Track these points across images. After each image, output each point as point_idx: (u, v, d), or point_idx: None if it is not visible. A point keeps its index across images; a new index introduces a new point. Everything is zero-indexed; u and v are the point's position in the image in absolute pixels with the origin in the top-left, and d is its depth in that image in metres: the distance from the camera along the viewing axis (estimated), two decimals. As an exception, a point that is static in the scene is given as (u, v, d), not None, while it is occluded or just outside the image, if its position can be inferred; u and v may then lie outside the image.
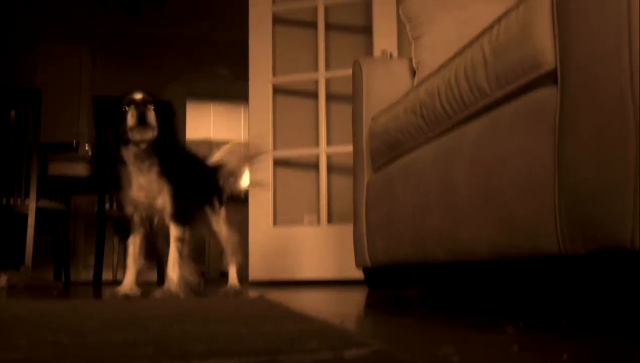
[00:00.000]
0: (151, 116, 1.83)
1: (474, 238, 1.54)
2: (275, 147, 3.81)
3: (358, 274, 2.86)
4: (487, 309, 1.35)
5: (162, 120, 1.88)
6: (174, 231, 1.94)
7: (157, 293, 1.89)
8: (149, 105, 1.85)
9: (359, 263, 2.56)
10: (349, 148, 2.75)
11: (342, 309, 1.44)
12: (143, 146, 1.85)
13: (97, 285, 3.67)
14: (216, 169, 2.34)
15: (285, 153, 3.81)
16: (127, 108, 1.83)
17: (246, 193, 3.77)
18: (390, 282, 2.55)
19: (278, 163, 3.85)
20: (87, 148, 5.10)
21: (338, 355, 0.63)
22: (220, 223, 2.26)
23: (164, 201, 1.92)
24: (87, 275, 6.03)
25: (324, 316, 1.17)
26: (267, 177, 3.70)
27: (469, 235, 1.56)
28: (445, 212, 1.70)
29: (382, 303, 1.67)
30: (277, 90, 3.89)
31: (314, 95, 3.79)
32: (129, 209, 1.94)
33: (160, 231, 2.01)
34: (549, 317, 1.14)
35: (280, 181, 3.87)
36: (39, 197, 3.87)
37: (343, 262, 3.44)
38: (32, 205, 3.78)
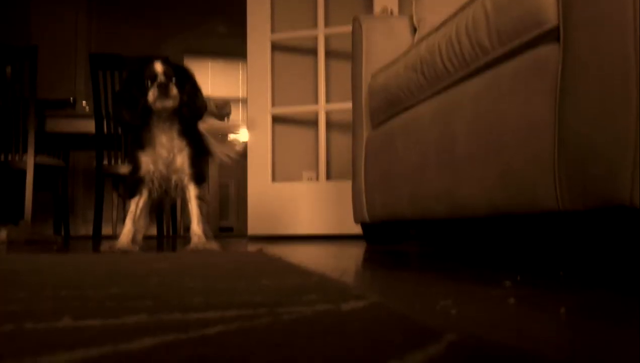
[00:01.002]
0: (173, 90, 1.93)
1: (472, 194, 1.54)
2: (274, 104, 3.80)
3: (356, 230, 2.87)
4: (485, 264, 1.36)
5: (181, 86, 1.98)
6: (193, 190, 2.04)
7: (189, 247, 1.98)
8: (171, 80, 1.94)
9: (357, 218, 2.57)
10: (348, 105, 2.73)
11: (340, 263, 1.45)
12: (165, 113, 1.96)
13: (96, 239, 3.69)
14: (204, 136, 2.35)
15: (284, 110, 3.79)
16: (149, 82, 1.93)
17: (245, 148, 3.79)
18: (389, 238, 2.57)
19: (277, 120, 3.84)
20: (84, 104, 5.07)
21: (336, 308, 0.64)
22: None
23: (182, 160, 2.01)
24: (86, 230, 6.07)
25: (322, 270, 1.18)
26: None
27: (467, 191, 1.56)
28: (444, 169, 1.70)
29: (380, 258, 1.68)
30: (276, 47, 3.85)
31: (313, 52, 3.75)
32: (144, 170, 2.00)
33: (172, 192, 2.08)
34: (546, 272, 1.15)
35: (279, 138, 3.86)
36: (37, 153, 3.86)
37: (341, 217, 3.46)
38: (30, 161, 3.78)
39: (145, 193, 2.03)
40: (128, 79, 2.06)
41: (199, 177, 2.06)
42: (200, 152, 2.10)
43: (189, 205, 2.04)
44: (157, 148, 1.99)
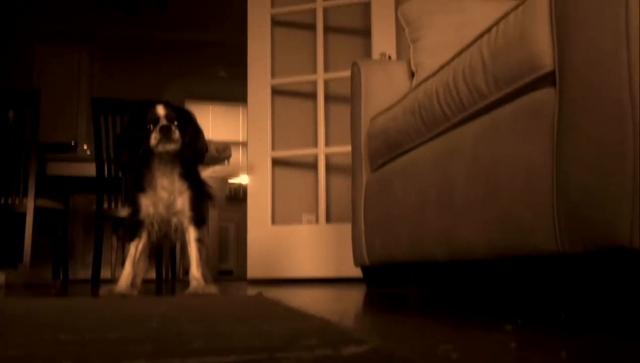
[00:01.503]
0: (175, 133, 1.93)
1: (472, 237, 1.54)
2: (274, 147, 3.82)
3: (356, 273, 2.86)
4: (486, 308, 1.36)
5: (183, 128, 1.98)
6: (193, 233, 2.01)
7: (188, 291, 1.94)
8: (173, 124, 1.94)
9: (357, 262, 2.56)
10: (348, 148, 2.75)
11: (340, 307, 1.45)
12: (167, 156, 1.96)
13: (95, 283, 3.66)
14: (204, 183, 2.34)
15: (283, 153, 3.82)
16: (151, 126, 1.93)
17: (245, 192, 3.80)
18: (389, 281, 2.56)
19: (277, 163, 3.86)
20: (85, 148, 5.10)
21: (336, 353, 0.64)
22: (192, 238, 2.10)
23: (183, 202, 2.00)
24: (85, 273, 6.03)
25: (322, 314, 1.17)
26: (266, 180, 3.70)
27: (467, 234, 1.56)
28: (443, 212, 1.71)
29: (381, 301, 1.67)
30: (276, 92, 3.90)
31: (313, 96, 3.79)
32: (144, 212, 1.98)
33: (172, 235, 2.06)
34: (547, 315, 1.14)
35: (279, 181, 3.87)
36: (37, 197, 3.87)
37: (341, 260, 3.44)
38: (30, 205, 3.78)
39: (144, 236, 2.01)
40: (130, 121, 2.05)
41: (199, 220, 2.04)
42: (201, 195, 2.09)
43: (189, 248, 2.01)
44: (157, 190, 1.98)
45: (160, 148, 1.92)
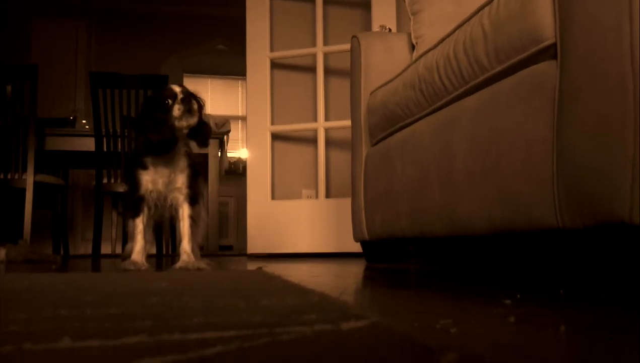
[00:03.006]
0: (195, 105, 2.00)
1: (471, 212, 1.54)
2: (273, 122, 3.80)
3: (356, 248, 2.87)
4: (485, 282, 1.36)
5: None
6: (187, 209, 2.08)
7: (177, 265, 2.02)
8: (193, 98, 2.01)
9: (357, 236, 2.57)
10: (347, 123, 2.74)
11: (340, 282, 1.45)
12: (184, 131, 2.01)
13: (95, 258, 3.68)
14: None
15: (283, 128, 3.80)
16: (170, 101, 1.97)
17: (244, 167, 3.80)
18: (388, 256, 2.56)
19: (276, 138, 3.85)
20: (84, 122, 5.08)
21: (336, 328, 0.64)
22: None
23: (182, 180, 2.07)
24: (85, 248, 6.06)
25: (321, 289, 1.17)
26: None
27: (467, 209, 1.56)
28: (443, 186, 1.70)
29: (380, 276, 1.68)
30: (276, 65, 3.87)
31: (313, 70, 3.77)
32: (146, 187, 2.03)
33: (167, 211, 2.13)
34: (546, 289, 1.15)
35: (279, 156, 3.86)
36: (36, 172, 3.87)
37: (341, 235, 3.45)
38: (29, 180, 3.78)
39: (147, 212, 2.06)
40: (146, 105, 2.09)
41: (194, 198, 2.10)
42: (197, 173, 2.16)
43: (181, 224, 2.08)
44: (159, 167, 2.03)
45: (184, 121, 1.97)
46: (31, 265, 2.62)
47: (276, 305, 0.87)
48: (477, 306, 0.82)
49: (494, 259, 2.40)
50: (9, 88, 3.81)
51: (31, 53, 6.29)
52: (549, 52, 1.25)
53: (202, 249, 2.27)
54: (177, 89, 1.99)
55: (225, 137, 4.62)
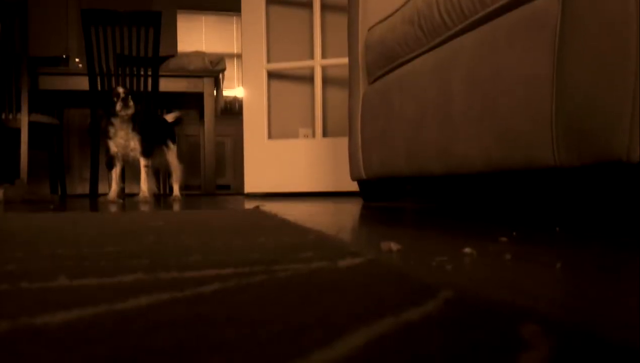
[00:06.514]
0: (130, 102, 3.13)
1: (469, 150, 1.53)
2: (269, 60, 3.75)
3: (353, 187, 2.88)
4: (481, 220, 1.37)
5: (139, 101, 3.27)
6: (142, 161, 3.30)
7: (136, 198, 3.26)
8: (129, 96, 3.13)
9: (354, 175, 2.57)
10: (345, 60, 2.70)
11: (337, 220, 1.46)
12: (126, 117, 3.17)
13: (93, 198, 3.69)
14: (170, 124, 3.70)
15: (279, 66, 3.76)
16: (115, 99, 3.13)
17: (241, 106, 3.80)
18: (385, 194, 2.57)
19: (272, 76, 3.80)
20: (77, 61, 5.01)
21: (332, 265, 0.64)
22: (171, 157, 3.62)
23: (135, 144, 3.25)
24: (83, 188, 6.07)
25: (318, 227, 1.18)
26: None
27: (464, 147, 1.56)
28: (441, 124, 1.69)
29: (377, 214, 1.68)
30: (271, 1, 3.79)
31: (309, 6, 3.70)
32: (113, 150, 3.25)
33: (133, 163, 3.33)
34: (543, 227, 1.15)
35: (275, 94, 3.83)
36: (31, 112, 3.83)
37: (338, 174, 3.46)
38: (24, 120, 3.76)
39: (118, 165, 3.30)
40: (105, 98, 3.34)
41: (146, 153, 3.28)
42: (148, 137, 3.29)
43: (141, 171, 3.28)
44: (118, 139, 3.22)
45: (123, 112, 3.13)
46: (29, 205, 2.63)
47: (273, 243, 0.87)
48: (473, 244, 0.82)
49: (490, 198, 2.41)
50: (-1, 25, 3.74)
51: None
52: (551, -14, 1.22)
53: (189, 189, 3.40)
54: (120, 90, 3.12)
55: (220, 76, 4.55)
